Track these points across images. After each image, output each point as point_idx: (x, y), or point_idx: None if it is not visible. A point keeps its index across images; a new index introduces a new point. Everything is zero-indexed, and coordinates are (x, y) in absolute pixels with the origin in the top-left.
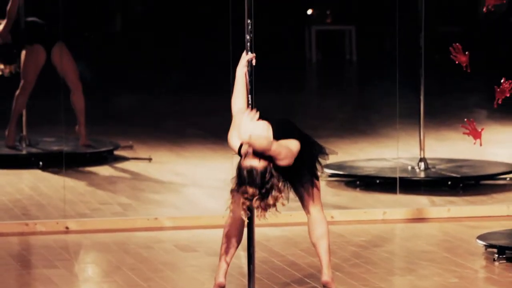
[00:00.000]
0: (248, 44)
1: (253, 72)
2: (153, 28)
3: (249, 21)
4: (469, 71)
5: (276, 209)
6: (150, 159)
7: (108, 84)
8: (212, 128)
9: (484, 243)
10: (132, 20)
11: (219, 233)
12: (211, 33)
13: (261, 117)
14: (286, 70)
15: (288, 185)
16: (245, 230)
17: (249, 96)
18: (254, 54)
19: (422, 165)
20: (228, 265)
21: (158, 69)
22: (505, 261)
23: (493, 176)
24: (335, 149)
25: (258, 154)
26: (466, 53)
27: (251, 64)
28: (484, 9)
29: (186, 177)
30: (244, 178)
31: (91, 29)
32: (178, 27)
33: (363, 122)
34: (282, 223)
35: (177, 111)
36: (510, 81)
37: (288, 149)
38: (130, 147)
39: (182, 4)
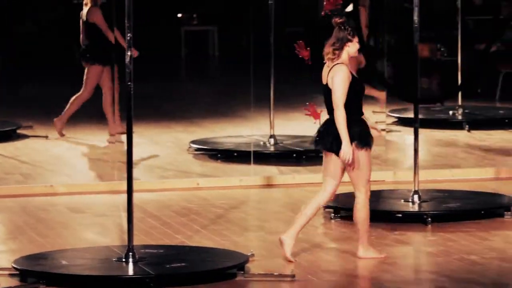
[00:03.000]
0: (129, 40)
1: (133, 64)
2: None
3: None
4: (310, 63)
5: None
6: (46, 137)
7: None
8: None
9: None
10: None
11: (104, 198)
12: None
13: None
14: (162, 64)
15: None
16: (125, 195)
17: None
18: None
19: (272, 140)
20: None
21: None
22: (340, 219)
23: None
24: (200, 128)
25: None
26: (308, 48)
27: (131, 57)
28: (322, 13)
29: (76, 151)
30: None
31: None
32: None
33: (224, 106)
34: (157, 189)
35: (68, 97)
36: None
37: None
38: (30, 127)
39: None
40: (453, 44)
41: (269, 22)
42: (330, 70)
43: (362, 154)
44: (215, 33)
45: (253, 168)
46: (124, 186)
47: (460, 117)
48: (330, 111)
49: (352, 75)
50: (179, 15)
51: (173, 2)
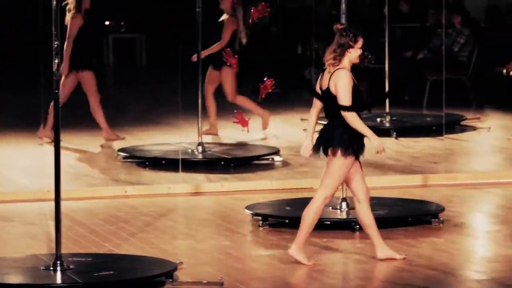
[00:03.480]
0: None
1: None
2: None
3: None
4: (237, 70)
5: None
6: None
7: None
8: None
9: (251, 212)
10: None
11: (32, 206)
12: None
13: None
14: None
15: None
16: (53, 203)
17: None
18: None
19: (200, 148)
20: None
21: None
22: (268, 227)
23: (258, 157)
24: (128, 136)
25: None
26: (236, 56)
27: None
28: (250, 21)
29: (1, 159)
30: None
31: None
32: None
33: (152, 114)
34: (85, 197)
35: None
36: (272, 79)
37: None
38: None
39: None
40: (380, 51)
41: (197, 32)
42: (331, 76)
43: (342, 162)
44: (143, 41)
45: (181, 175)
46: (52, 194)
47: (387, 125)
48: (332, 116)
49: (353, 80)
50: (107, 22)
51: (100, 8)
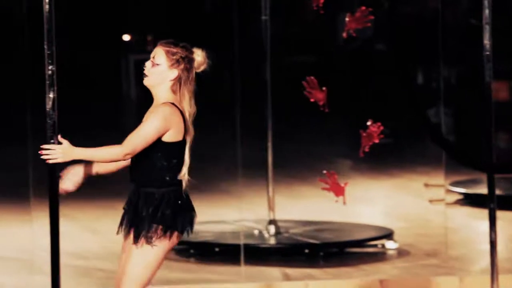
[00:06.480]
0: (50, 76)
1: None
2: None
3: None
4: (327, 110)
5: None
6: None
7: None
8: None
9: None
10: None
11: None
12: None
13: None
14: (98, 105)
15: None
16: None
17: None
18: None
19: (272, 228)
20: None
21: None
22: None
23: (360, 242)
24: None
25: None
26: (323, 88)
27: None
28: (344, 35)
29: None
30: None
31: None
32: None
33: (196, 175)
34: None
35: None
36: (378, 124)
37: None
38: None
39: None
40: None
41: (263, 48)
42: None
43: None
44: None
45: (244, 270)
46: None
47: None
48: None
49: None
50: (126, 38)
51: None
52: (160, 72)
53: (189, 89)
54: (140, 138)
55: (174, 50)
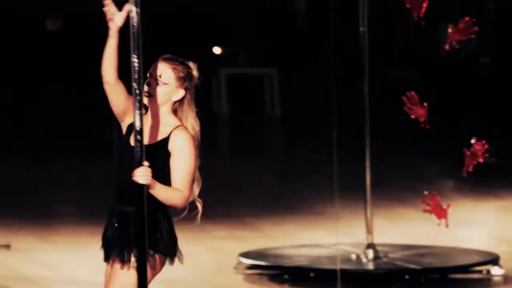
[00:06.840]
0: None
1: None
2: None
3: (136, 61)
4: (428, 127)
5: None
6: (8, 246)
7: None
8: (90, 203)
9: None
10: None
11: None
12: None
13: None
14: None
15: None
16: None
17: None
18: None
19: (370, 253)
20: None
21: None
22: None
23: (464, 268)
24: (254, 232)
25: None
26: (424, 104)
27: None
28: (447, 47)
29: (57, 270)
30: None
31: None
32: None
33: (291, 196)
34: None
35: (45, 181)
36: (483, 142)
37: None
38: None
39: None
40: None
41: (361, 62)
42: None
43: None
44: (274, 79)
45: None
46: None
47: None
48: None
49: None
50: (217, 51)
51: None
52: (167, 92)
53: (192, 108)
54: (189, 175)
55: (179, 67)
